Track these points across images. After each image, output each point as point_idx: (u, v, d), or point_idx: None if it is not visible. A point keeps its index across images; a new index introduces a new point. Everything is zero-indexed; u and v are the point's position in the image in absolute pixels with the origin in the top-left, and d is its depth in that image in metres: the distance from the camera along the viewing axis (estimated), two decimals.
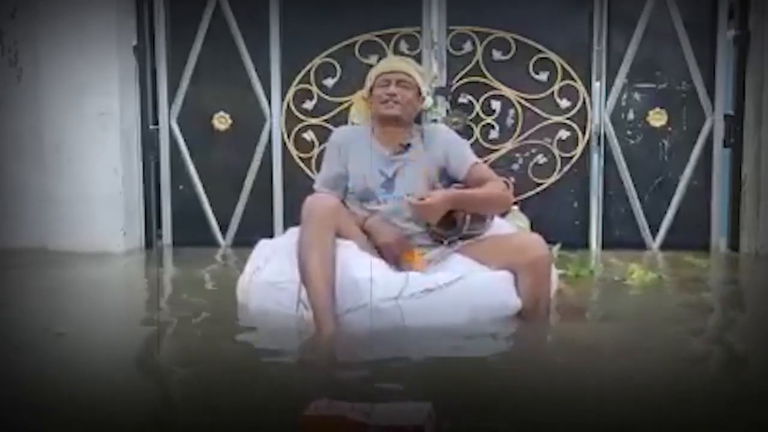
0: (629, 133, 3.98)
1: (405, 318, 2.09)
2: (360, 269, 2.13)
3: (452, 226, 2.30)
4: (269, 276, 2.34)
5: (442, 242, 2.36)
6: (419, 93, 2.41)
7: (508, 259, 2.22)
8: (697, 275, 3.26)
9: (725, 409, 1.57)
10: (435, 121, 3.83)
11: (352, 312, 2.10)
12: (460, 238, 2.34)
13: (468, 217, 2.28)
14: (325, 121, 4.03)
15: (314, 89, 4.04)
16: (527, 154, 3.99)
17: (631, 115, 3.97)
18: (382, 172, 2.36)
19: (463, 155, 2.41)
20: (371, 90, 2.41)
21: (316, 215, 2.12)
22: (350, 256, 2.16)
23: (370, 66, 2.63)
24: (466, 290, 2.14)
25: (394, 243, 2.29)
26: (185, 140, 4.17)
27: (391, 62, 2.46)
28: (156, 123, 4.18)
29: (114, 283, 3.32)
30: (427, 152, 2.39)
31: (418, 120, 2.53)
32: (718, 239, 3.98)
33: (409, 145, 2.39)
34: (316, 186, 2.44)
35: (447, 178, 2.41)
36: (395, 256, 2.29)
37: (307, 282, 2.09)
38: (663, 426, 1.46)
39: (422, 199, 2.19)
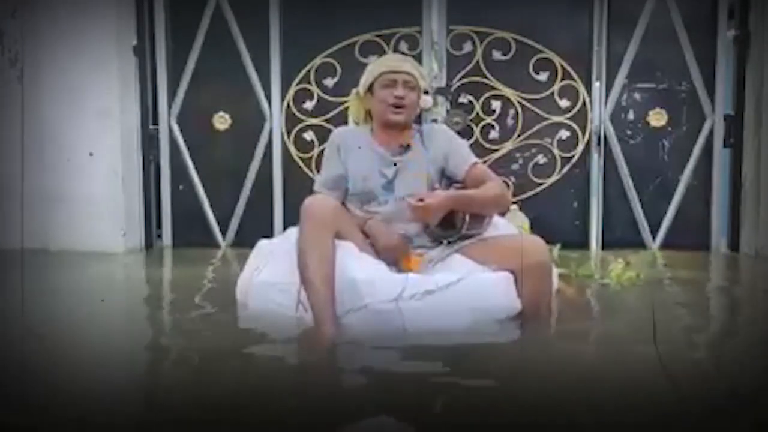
0: (629, 133, 3.98)
1: (405, 319, 2.08)
2: (359, 270, 2.13)
3: (451, 227, 2.30)
4: (269, 277, 2.33)
5: (441, 242, 2.36)
6: (419, 91, 2.39)
7: (509, 261, 2.21)
8: (676, 275, 3.27)
9: (723, 410, 1.57)
10: (435, 121, 3.83)
11: (352, 313, 2.09)
12: (459, 238, 2.34)
13: (467, 218, 2.28)
14: (325, 121, 4.03)
15: (314, 89, 4.04)
16: (527, 154, 3.99)
17: (631, 115, 3.97)
18: (382, 173, 2.35)
19: (462, 155, 2.40)
20: (371, 88, 2.38)
21: (314, 216, 2.11)
22: (350, 257, 2.16)
23: None
24: (466, 291, 2.14)
25: (393, 247, 2.29)
26: (185, 140, 4.18)
27: (395, 61, 2.39)
28: (156, 123, 4.18)
29: (114, 283, 3.32)
30: (426, 153, 2.39)
31: (417, 120, 2.52)
32: (718, 239, 3.98)
33: (408, 145, 2.39)
34: (315, 187, 2.42)
35: (446, 178, 2.41)
36: (394, 259, 2.29)
37: (306, 283, 2.09)
38: (661, 427, 1.46)
39: (422, 200, 2.18)
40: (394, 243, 2.29)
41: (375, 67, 2.38)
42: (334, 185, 2.37)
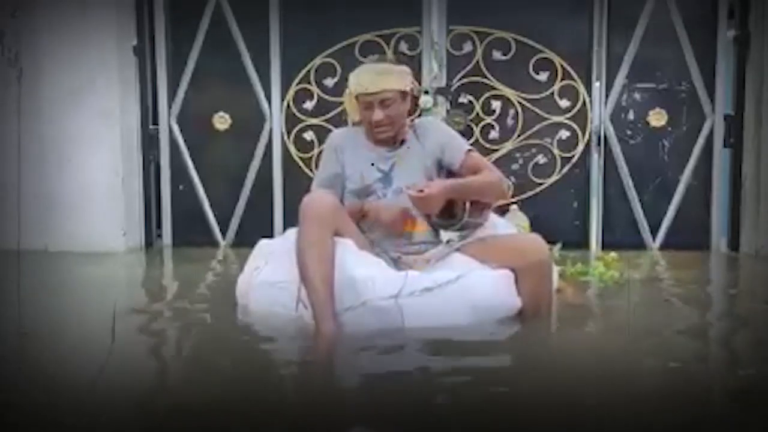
0: (629, 133, 3.98)
1: (404, 317, 2.09)
2: (358, 267, 2.13)
3: (452, 215, 2.30)
4: (269, 276, 2.34)
5: (441, 231, 2.37)
6: (404, 93, 2.32)
7: (509, 259, 2.21)
8: (670, 274, 3.28)
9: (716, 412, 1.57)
10: None
11: (352, 310, 2.10)
12: (460, 228, 2.34)
13: (467, 206, 2.28)
14: (325, 121, 4.03)
15: (314, 89, 4.04)
16: (527, 154, 3.99)
17: (631, 115, 3.97)
18: (378, 168, 2.36)
19: (456, 144, 2.41)
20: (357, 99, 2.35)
21: (313, 214, 2.12)
22: (349, 254, 2.16)
23: None
24: (465, 289, 2.14)
25: (398, 215, 2.29)
26: (185, 140, 4.18)
27: (368, 79, 2.27)
28: (156, 123, 4.18)
29: (114, 283, 3.32)
30: (421, 146, 2.39)
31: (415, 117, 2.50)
32: (718, 239, 3.98)
33: (403, 141, 2.40)
34: (312, 187, 2.42)
35: (443, 170, 2.41)
36: (399, 227, 2.29)
37: (305, 281, 2.09)
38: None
39: (421, 191, 2.18)
40: (397, 212, 2.29)
41: (354, 81, 2.32)
42: (330, 184, 2.38)
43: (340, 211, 2.25)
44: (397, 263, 2.31)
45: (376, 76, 2.29)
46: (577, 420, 1.47)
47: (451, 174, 2.38)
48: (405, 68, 2.36)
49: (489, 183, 2.32)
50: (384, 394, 1.62)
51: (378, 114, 2.28)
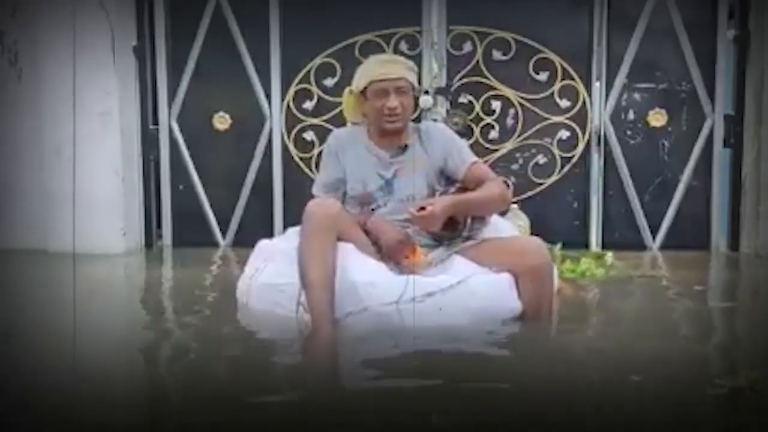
0: (629, 133, 3.98)
1: (406, 322, 2.09)
2: (360, 272, 2.13)
3: (454, 229, 2.30)
4: (269, 277, 2.34)
5: (442, 243, 2.36)
6: (414, 88, 2.34)
7: (509, 262, 2.22)
8: (652, 273, 3.29)
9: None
10: (435, 120, 3.83)
11: (353, 316, 2.10)
12: (462, 240, 2.34)
13: (469, 220, 2.28)
14: (325, 121, 4.03)
15: (314, 89, 4.04)
16: (527, 154, 3.99)
17: (631, 115, 3.97)
18: (380, 175, 2.35)
19: (461, 155, 2.39)
20: (364, 92, 2.33)
21: (317, 220, 2.11)
22: (350, 259, 2.16)
23: None
24: (467, 293, 2.14)
25: (396, 243, 2.28)
26: (185, 140, 4.17)
27: (385, 66, 2.31)
28: (156, 123, 4.18)
29: (114, 283, 3.32)
30: (425, 153, 2.37)
31: (417, 118, 2.49)
32: (718, 239, 3.98)
33: (406, 146, 2.38)
34: (314, 190, 2.42)
35: (445, 178, 2.40)
36: (398, 256, 2.29)
37: (306, 288, 2.10)
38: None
39: (423, 208, 2.17)
40: (397, 240, 2.28)
41: (366, 70, 2.33)
42: (333, 188, 2.37)
43: (345, 217, 2.24)
44: (399, 267, 2.30)
45: (393, 63, 2.33)
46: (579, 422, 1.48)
47: (453, 183, 2.37)
48: (413, 64, 2.37)
49: (491, 197, 2.30)
50: (382, 401, 1.62)
51: (393, 101, 2.26)
